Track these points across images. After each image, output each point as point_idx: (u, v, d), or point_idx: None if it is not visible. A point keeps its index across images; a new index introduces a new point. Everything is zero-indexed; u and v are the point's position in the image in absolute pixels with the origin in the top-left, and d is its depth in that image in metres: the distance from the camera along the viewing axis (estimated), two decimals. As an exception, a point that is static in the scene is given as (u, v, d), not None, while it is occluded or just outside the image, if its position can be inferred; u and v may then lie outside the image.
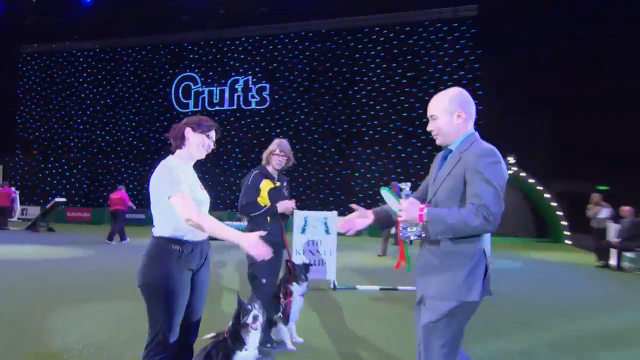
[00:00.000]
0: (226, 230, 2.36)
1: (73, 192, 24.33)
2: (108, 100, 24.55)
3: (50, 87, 25.62)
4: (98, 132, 24.64)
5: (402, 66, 20.32)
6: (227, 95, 22.29)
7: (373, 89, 20.57)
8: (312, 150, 20.64)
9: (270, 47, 22.40)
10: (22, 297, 5.85)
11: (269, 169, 3.92)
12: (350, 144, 20.59)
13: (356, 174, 20.36)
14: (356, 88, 20.76)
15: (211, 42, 23.02)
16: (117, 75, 24.34)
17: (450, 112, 2.22)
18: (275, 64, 22.05)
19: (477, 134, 2.26)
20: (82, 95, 24.58)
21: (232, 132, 21.89)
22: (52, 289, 6.45)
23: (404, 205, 2.07)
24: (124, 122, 23.96)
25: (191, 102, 22.58)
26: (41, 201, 22.79)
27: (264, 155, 3.96)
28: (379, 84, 20.60)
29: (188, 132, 2.55)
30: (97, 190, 23.80)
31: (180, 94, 23.03)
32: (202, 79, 22.90)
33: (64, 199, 17.83)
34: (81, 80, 24.91)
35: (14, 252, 10.25)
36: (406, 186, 2.19)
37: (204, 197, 2.60)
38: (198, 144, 2.55)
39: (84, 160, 24.29)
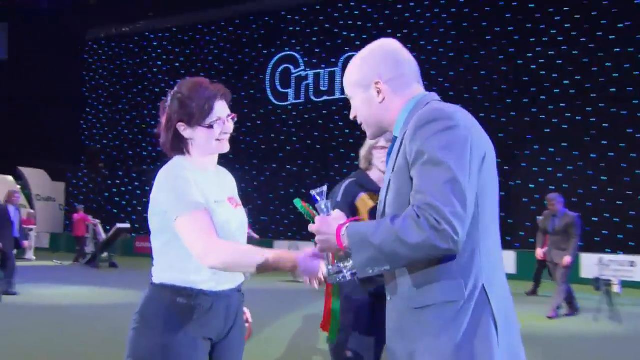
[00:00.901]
0: (266, 254, 1.73)
1: (145, 215, 21.73)
2: None
3: (119, 81, 23.96)
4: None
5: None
6: (338, 80, 19.49)
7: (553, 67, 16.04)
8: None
9: (400, 6, 18.39)
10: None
11: (372, 175, 2.97)
12: (520, 142, 16.29)
13: (531, 186, 15.96)
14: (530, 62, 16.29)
15: (317, 7, 20.07)
16: (198, 62, 22.19)
17: (364, 86, 1.65)
18: (407, 31, 17.95)
19: (429, 97, 1.61)
20: (156, 89, 22.49)
21: (347, 131, 18.52)
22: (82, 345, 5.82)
23: (316, 226, 1.53)
24: None
25: (291, 92, 20.58)
26: (107, 227, 20.15)
27: (362, 154, 3.04)
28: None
29: (182, 129, 1.88)
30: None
31: (277, 82, 20.83)
32: (306, 59, 20.33)
33: (127, 225, 17.02)
34: (155, 70, 22.96)
35: (55, 295, 9.64)
36: (320, 192, 1.58)
37: (235, 216, 1.93)
38: (205, 139, 1.88)
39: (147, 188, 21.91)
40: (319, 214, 1.58)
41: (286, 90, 20.51)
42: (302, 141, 19.56)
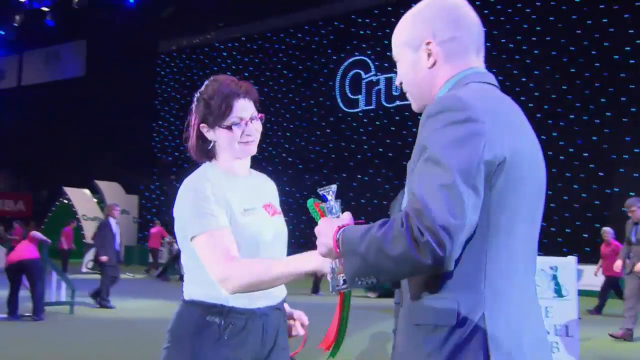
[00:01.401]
0: (286, 261, 1.69)
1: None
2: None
3: (190, 93, 24.15)
4: None
5: None
6: (413, 84, 18.89)
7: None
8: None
9: (478, 3, 17.36)
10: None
11: None
12: (617, 145, 15.29)
13: (631, 193, 14.05)
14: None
15: (388, 9, 19.64)
16: (267, 70, 22.73)
17: (413, 46, 1.48)
18: (486, 30, 16.99)
19: (477, 76, 1.42)
20: None
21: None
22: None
23: (318, 228, 1.46)
24: (275, 132, 22.25)
25: (362, 98, 20.55)
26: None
27: None
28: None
29: (205, 131, 1.87)
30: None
31: (347, 88, 20.88)
32: (377, 64, 20.13)
33: None
34: None
35: (128, 309, 9.85)
36: (329, 191, 1.51)
37: (271, 225, 1.88)
38: (227, 142, 1.85)
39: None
40: (326, 215, 1.51)
41: (357, 97, 20.50)
42: (373, 149, 19.35)
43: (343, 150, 19.90)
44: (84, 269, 16.65)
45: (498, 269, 1.29)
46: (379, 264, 1.24)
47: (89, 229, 18.78)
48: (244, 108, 1.83)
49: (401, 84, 1.55)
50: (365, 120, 19.78)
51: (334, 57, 20.93)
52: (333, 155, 20.01)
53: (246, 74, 22.64)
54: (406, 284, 1.40)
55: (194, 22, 23.22)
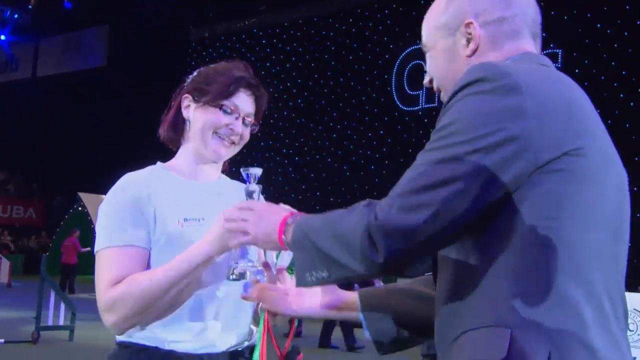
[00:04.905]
0: (176, 260, 1.65)
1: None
2: (299, 102, 23.70)
3: None
4: (284, 150, 23.99)
5: None
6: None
7: None
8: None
9: None
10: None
11: None
12: None
13: None
14: None
15: None
16: (312, 61, 23.26)
17: (449, 29, 1.44)
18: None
19: (533, 59, 1.37)
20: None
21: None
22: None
23: (245, 208, 1.58)
24: (320, 133, 22.78)
25: (422, 95, 20.59)
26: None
27: None
28: None
29: (185, 104, 1.86)
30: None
31: (405, 82, 20.97)
32: None
33: None
34: (263, 73, 24.03)
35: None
36: (255, 175, 1.64)
37: None
38: (202, 126, 1.82)
39: (264, 194, 22.84)
40: (247, 199, 1.61)
41: (416, 93, 20.52)
42: (435, 154, 19.52)
43: (399, 154, 19.73)
44: None
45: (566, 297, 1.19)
46: (326, 248, 1.25)
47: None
48: (246, 102, 1.82)
49: (431, 81, 1.49)
50: (425, 120, 19.76)
51: (391, 46, 20.98)
52: (387, 161, 20.03)
53: (288, 65, 23.55)
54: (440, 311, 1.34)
55: (231, 6, 23.50)
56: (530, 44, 1.42)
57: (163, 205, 1.75)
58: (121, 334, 1.70)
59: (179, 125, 1.86)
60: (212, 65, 1.90)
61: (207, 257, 1.62)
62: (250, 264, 1.65)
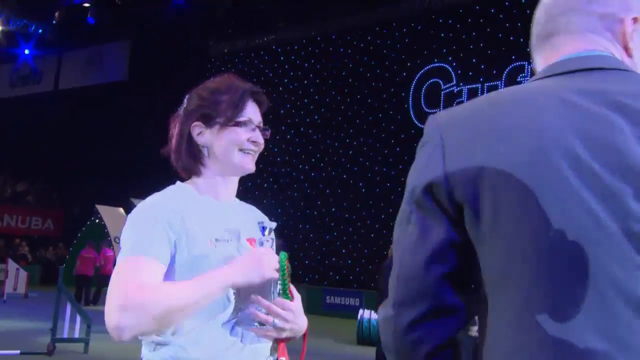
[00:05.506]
0: (195, 281, 1.67)
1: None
2: (316, 117, 23.70)
3: None
4: (300, 166, 23.82)
5: None
6: (502, 97, 18.82)
7: None
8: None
9: None
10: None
11: None
12: None
13: None
14: None
15: (476, 8, 20.06)
16: (330, 78, 23.17)
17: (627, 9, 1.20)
18: None
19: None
20: (281, 111, 23.71)
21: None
22: None
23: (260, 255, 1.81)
24: (336, 149, 22.79)
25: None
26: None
27: None
28: None
29: (197, 132, 1.85)
30: (297, 257, 22.31)
31: (422, 100, 21.16)
32: (460, 72, 20.54)
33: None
34: (281, 89, 24.12)
35: None
36: (269, 228, 1.81)
37: None
38: (225, 146, 1.83)
39: (279, 210, 23.01)
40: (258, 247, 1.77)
41: (434, 110, 19.59)
42: (453, 174, 19.36)
43: (416, 174, 19.93)
44: None
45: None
46: None
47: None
48: (255, 111, 1.87)
49: None
50: (443, 138, 19.78)
51: (408, 64, 21.01)
52: (402, 178, 19.75)
53: (305, 81, 23.60)
54: None
55: (250, 22, 23.73)
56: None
57: (195, 225, 1.75)
58: (126, 339, 1.65)
59: (196, 153, 1.86)
60: (205, 87, 1.90)
61: (233, 286, 1.70)
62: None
